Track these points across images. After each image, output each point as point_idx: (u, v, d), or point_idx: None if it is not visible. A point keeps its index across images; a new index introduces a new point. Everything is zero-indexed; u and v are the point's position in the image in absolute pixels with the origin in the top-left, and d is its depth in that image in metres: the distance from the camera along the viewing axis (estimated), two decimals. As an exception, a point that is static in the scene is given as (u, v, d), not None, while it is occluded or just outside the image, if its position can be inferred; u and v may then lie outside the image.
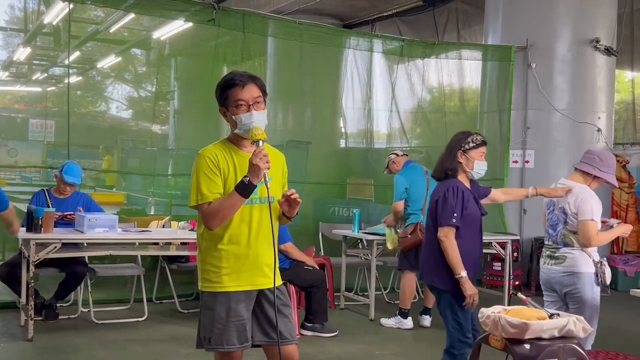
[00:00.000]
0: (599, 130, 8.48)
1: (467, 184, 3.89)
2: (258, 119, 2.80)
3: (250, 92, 2.82)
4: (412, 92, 8.80)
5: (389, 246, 6.25)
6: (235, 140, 2.91)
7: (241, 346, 2.88)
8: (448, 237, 3.72)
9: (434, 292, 3.99)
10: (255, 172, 2.69)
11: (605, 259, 4.12)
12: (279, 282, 2.92)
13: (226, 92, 2.85)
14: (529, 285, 8.14)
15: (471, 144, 3.85)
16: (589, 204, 4.03)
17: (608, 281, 4.03)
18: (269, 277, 2.88)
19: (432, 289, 3.97)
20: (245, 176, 2.71)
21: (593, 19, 8.51)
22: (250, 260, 2.86)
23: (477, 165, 3.86)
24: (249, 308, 2.89)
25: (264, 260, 2.89)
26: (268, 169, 2.71)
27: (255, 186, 2.72)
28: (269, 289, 2.89)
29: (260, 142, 2.73)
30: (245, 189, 2.71)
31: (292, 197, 2.81)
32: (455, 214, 3.72)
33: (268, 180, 2.73)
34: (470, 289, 3.68)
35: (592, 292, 4.03)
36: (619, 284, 8.63)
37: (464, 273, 3.68)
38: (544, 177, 7.55)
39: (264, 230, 2.86)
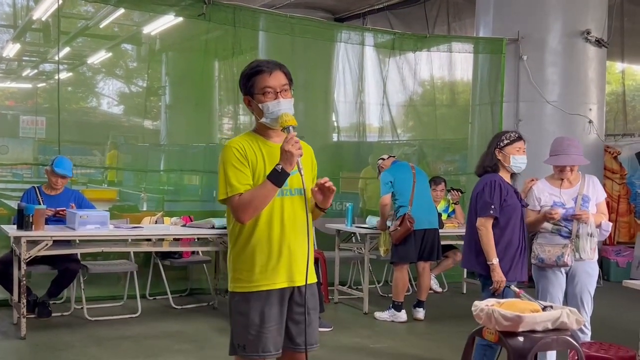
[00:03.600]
0: (590, 121, 8.51)
1: (508, 179, 4.17)
2: (286, 107, 2.68)
3: (277, 79, 2.70)
4: (404, 86, 8.81)
5: (382, 252, 6.31)
6: (262, 131, 2.76)
7: (276, 353, 2.75)
8: (485, 227, 4.03)
9: (481, 280, 4.20)
10: (288, 159, 2.55)
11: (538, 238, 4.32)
12: (314, 279, 2.79)
13: (252, 80, 2.70)
14: (523, 277, 8.16)
15: (506, 141, 4.16)
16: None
17: (545, 259, 4.21)
18: (304, 274, 2.73)
19: (480, 276, 4.21)
20: (278, 164, 2.57)
21: (584, 11, 8.53)
22: (284, 256, 2.70)
23: (513, 160, 4.13)
24: (282, 311, 2.73)
25: (298, 255, 2.72)
26: (301, 155, 2.58)
27: (289, 174, 2.59)
28: (299, 288, 2.74)
29: (291, 129, 2.62)
30: (278, 177, 2.56)
31: (327, 185, 2.66)
32: (493, 206, 4.01)
33: (301, 168, 2.60)
34: (498, 276, 3.98)
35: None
36: (612, 275, 8.68)
37: (495, 261, 3.99)
38: (536, 169, 7.58)
39: (298, 222, 2.71)
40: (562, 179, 4.31)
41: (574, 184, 4.31)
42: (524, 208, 4.20)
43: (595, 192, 4.31)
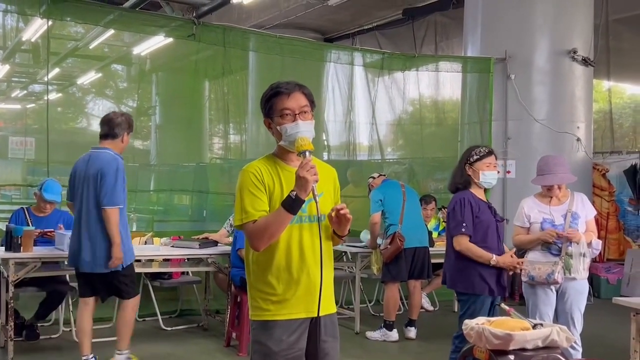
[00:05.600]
0: (578, 139, 8.57)
1: (481, 195, 4.16)
2: (304, 130, 2.58)
3: (296, 100, 2.61)
4: (393, 105, 8.87)
5: (375, 271, 6.31)
6: (281, 154, 2.68)
7: None
8: (461, 244, 4.02)
9: (460, 298, 4.21)
10: (302, 185, 2.44)
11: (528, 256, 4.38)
12: (332, 309, 2.73)
13: (271, 101, 2.64)
14: (513, 295, 8.16)
15: (475, 157, 4.14)
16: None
17: (536, 277, 4.25)
18: (325, 303, 2.64)
19: (459, 294, 4.22)
20: (292, 190, 2.47)
21: (570, 30, 8.63)
22: (303, 285, 2.61)
23: (483, 176, 4.11)
24: (303, 338, 2.62)
25: (318, 284, 2.59)
26: (316, 181, 2.47)
27: (303, 201, 2.48)
28: (322, 316, 2.63)
29: (307, 153, 2.52)
30: (292, 204, 2.46)
31: (342, 212, 2.53)
32: (464, 224, 4.00)
33: (317, 195, 2.49)
34: (505, 262, 4.04)
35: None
36: (602, 292, 8.69)
37: (494, 258, 4.03)
38: (525, 187, 7.63)
39: (317, 251, 2.58)
40: (551, 197, 4.34)
41: (563, 201, 4.35)
42: (499, 223, 4.21)
43: (584, 210, 4.34)
